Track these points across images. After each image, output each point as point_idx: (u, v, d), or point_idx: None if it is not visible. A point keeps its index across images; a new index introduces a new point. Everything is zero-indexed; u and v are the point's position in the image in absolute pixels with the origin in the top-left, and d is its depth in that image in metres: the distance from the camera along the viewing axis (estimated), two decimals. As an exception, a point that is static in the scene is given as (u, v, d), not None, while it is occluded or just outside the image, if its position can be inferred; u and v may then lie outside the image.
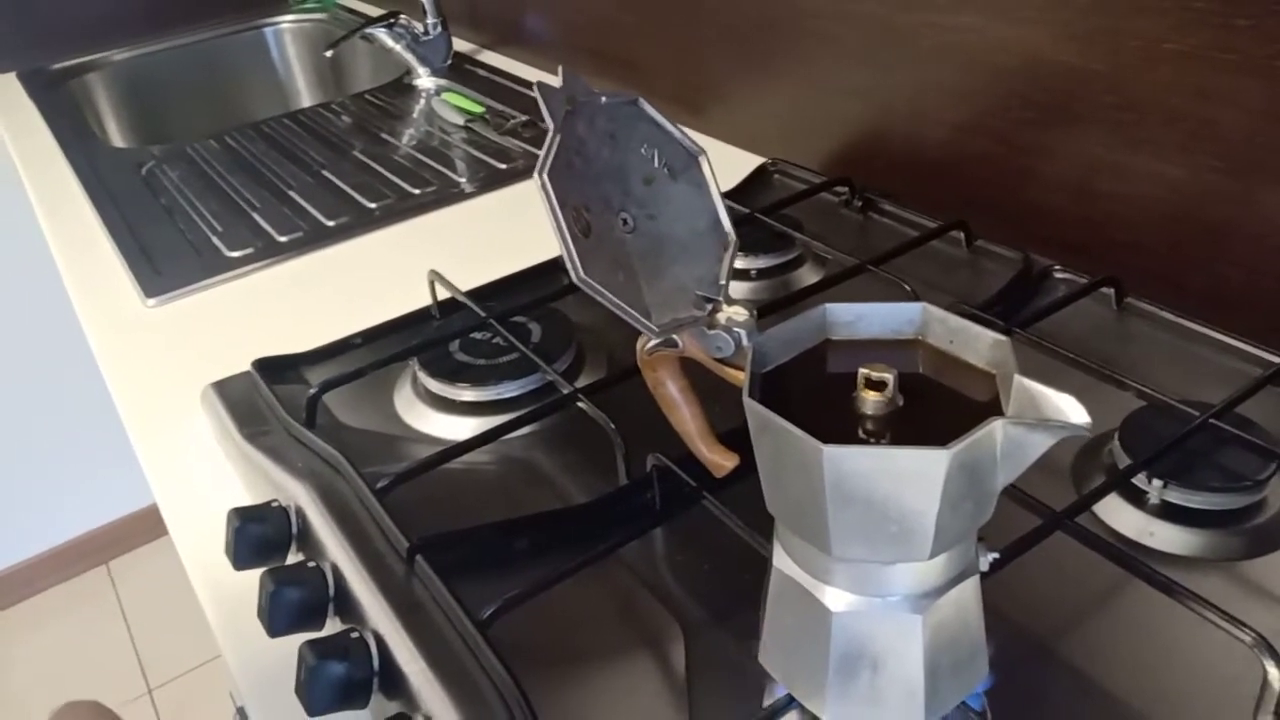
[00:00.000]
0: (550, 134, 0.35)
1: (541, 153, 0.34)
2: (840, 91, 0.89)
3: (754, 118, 1.00)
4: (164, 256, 0.92)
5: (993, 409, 0.34)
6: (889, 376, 0.35)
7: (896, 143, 0.85)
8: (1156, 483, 0.50)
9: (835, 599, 0.36)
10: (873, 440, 0.34)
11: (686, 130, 0.40)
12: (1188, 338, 0.63)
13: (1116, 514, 0.50)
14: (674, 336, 0.39)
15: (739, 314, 0.38)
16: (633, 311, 0.35)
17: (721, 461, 0.43)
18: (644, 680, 0.46)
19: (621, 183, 0.37)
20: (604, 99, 0.37)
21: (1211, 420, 0.52)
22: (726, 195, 0.86)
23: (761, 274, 0.75)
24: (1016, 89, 0.74)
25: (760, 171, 0.91)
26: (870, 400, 0.35)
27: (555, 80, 0.37)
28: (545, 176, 0.34)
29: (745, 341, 0.38)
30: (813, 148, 0.93)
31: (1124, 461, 0.51)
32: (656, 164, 0.39)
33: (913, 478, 0.32)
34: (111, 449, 1.98)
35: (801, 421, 0.33)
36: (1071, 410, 0.32)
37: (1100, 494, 0.49)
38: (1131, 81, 0.66)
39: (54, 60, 1.53)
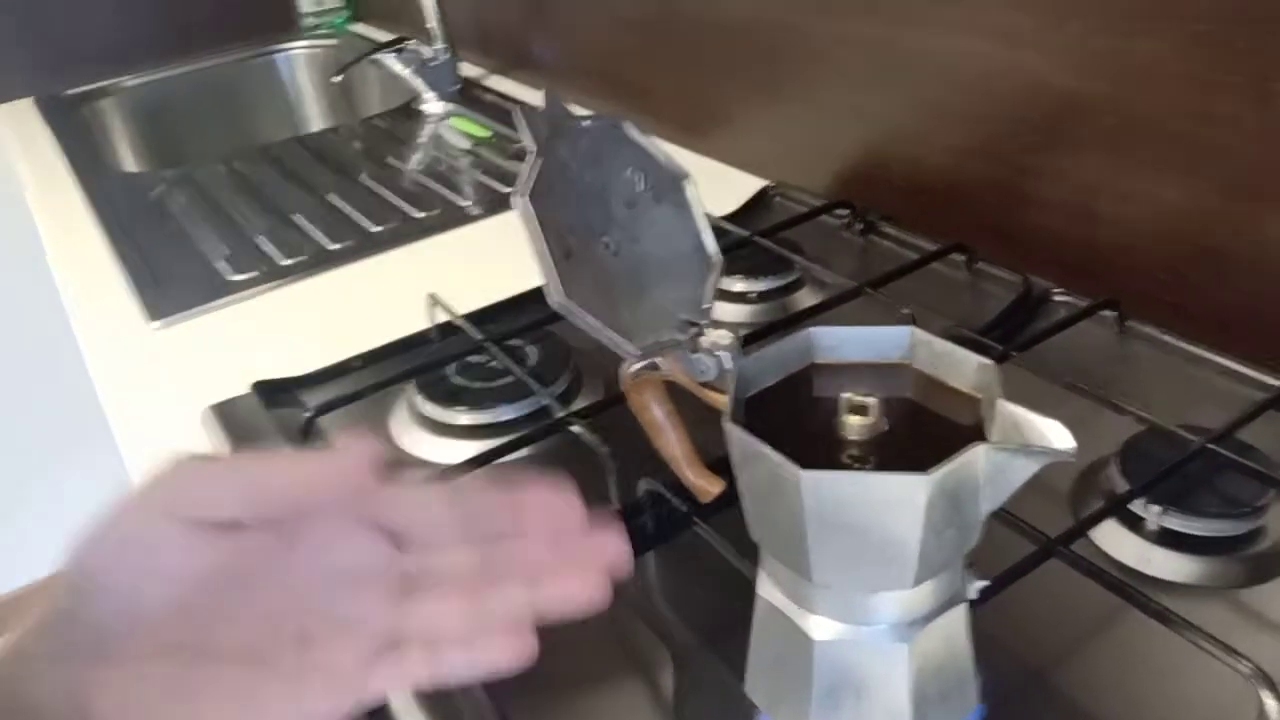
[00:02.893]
0: (532, 156, 0.35)
1: (522, 175, 0.34)
2: (843, 115, 0.89)
3: (757, 141, 1.00)
4: (168, 279, 0.93)
5: (977, 434, 0.34)
6: (871, 401, 0.34)
7: (898, 166, 0.85)
8: (1155, 509, 0.49)
9: (818, 627, 0.35)
10: (855, 466, 0.34)
11: (673, 153, 0.40)
12: (1189, 361, 0.62)
13: (1114, 540, 0.50)
14: (657, 360, 0.38)
15: (723, 337, 0.38)
16: (613, 334, 0.35)
17: (707, 487, 0.42)
18: (630, 707, 0.45)
19: (604, 205, 0.37)
20: (586, 122, 0.37)
21: (1211, 445, 0.51)
22: (728, 218, 0.86)
23: (761, 297, 0.75)
24: (1017, 112, 0.74)
25: (761, 194, 0.91)
26: (854, 425, 0.34)
27: (538, 102, 0.37)
28: (526, 199, 0.33)
29: (728, 365, 0.37)
30: (815, 171, 0.92)
31: (1122, 487, 0.51)
32: (641, 187, 0.38)
33: (894, 504, 0.31)
34: (114, 471, 1.99)
35: (784, 447, 0.32)
36: (1056, 435, 0.31)
37: (1096, 520, 0.49)
38: (1132, 104, 0.66)
39: (69, 86, 1.55)
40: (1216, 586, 0.47)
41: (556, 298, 0.34)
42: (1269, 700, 0.38)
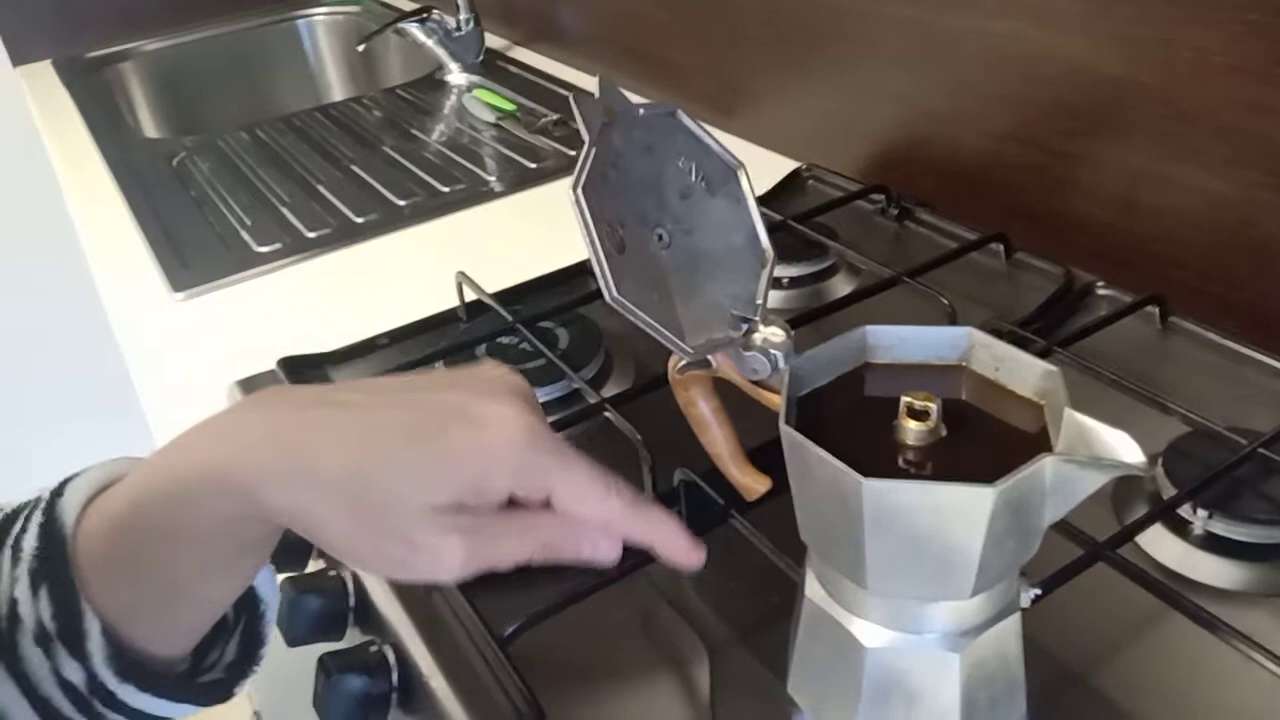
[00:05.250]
0: (586, 146, 0.34)
1: (577, 166, 0.33)
2: (878, 96, 0.87)
3: (788, 121, 0.99)
4: (192, 250, 0.92)
5: (1040, 442, 0.33)
6: (932, 405, 0.33)
7: (935, 150, 0.84)
8: (1201, 513, 0.48)
9: (869, 634, 0.35)
10: (914, 472, 0.33)
11: (724, 141, 0.39)
12: (1235, 360, 0.61)
13: (1159, 544, 0.49)
14: (708, 357, 0.38)
15: (775, 335, 0.37)
16: (667, 332, 0.34)
17: (753, 485, 0.42)
18: (667, 702, 0.45)
19: (657, 197, 0.36)
20: (642, 110, 0.36)
21: (1260, 449, 0.50)
22: (758, 201, 0.84)
23: (794, 283, 0.74)
24: (1061, 98, 0.72)
25: (794, 177, 0.90)
26: (912, 429, 0.33)
27: (592, 89, 0.36)
28: (580, 191, 0.33)
29: (781, 364, 0.36)
30: (848, 153, 0.91)
31: (1168, 490, 0.50)
32: (694, 177, 0.37)
33: (957, 514, 0.31)
34: (139, 445, 1.99)
35: (839, 449, 0.31)
36: (1124, 448, 0.30)
37: (1144, 525, 0.48)
38: (1180, 93, 0.64)
39: (89, 48, 1.53)
40: (1264, 594, 0.46)
41: (609, 294, 0.33)
42: (1323, 716, 0.38)
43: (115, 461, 0.38)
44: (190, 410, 0.70)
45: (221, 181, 1.07)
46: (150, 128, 1.54)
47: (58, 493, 0.36)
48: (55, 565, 0.34)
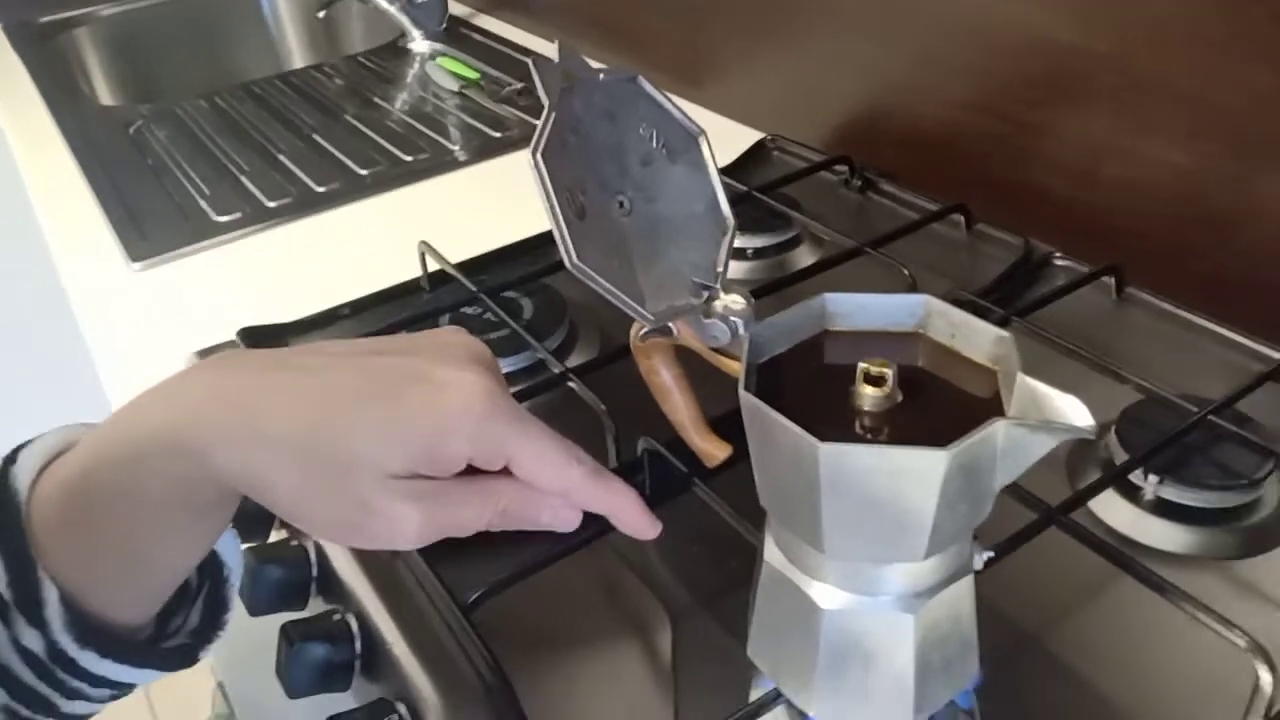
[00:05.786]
0: (545, 111, 0.33)
1: (536, 132, 0.33)
2: (842, 67, 0.88)
3: (753, 91, 0.99)
4: (150, 219, 0.90)
5: (993, 407, 0.33)
6: (888, 372, 0.34)
7: (898, 121, 0.84)
8: (1152, 479, 0.49)
9: (826, 596, 0.35)
10: (870, 437, 0.33)
11: (686, 109, 0.39)
12: (1188, 329, 0.62)
13: (1111, 509, 0.50)
14: (669, 324, 0.38)
15: (736, 302, 0.37)
16: (627, 299, 0.34)
17: (714, 452, 0.42)
18: (629, 667, 0.45)
19: (618, 163, 0.36)
20: (602, 76, 0.36)
21: (1210, 416, 0.51)
22: (723, 171, 0.84)
23: (757, 254, 0.74)
24: (1021, 68, 0.72)
25: (758, 148, 0.90)
26: (868, 395, 0.34)
27: (552, 54, 0.35)
28: (539, 156, 0.32)
29: (741, 331, 0.37)
30: (812, 124, 0.91)
31: (1120, 456, 0.51)
32: (655, 144, 0.37)
33: (911, 478, 0.31)
34: (97, 414, 1.96)
35: (797, 415, 0.32)
36: (1075, 412, 0.31)
37: (1096, 490, 0.49)
38: (1139, 63, 0.65)
39: (41, 13, 1.49)
40: (1213, 557, 0.48)
41: (569, 260, 0.33)
42: (1263, 673, 0.39)
43: (69, 428, 0.38)
44: (149, 381, 0.70)
45: (180, 150, 1.05)
46: (106, 95, 1.51)
47: (10, 460, 0.36)
48: (9, 533, 0.34)
